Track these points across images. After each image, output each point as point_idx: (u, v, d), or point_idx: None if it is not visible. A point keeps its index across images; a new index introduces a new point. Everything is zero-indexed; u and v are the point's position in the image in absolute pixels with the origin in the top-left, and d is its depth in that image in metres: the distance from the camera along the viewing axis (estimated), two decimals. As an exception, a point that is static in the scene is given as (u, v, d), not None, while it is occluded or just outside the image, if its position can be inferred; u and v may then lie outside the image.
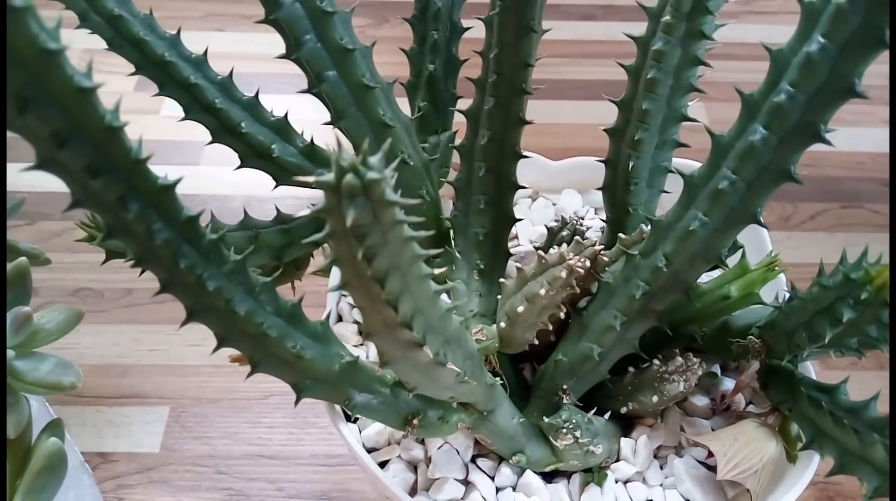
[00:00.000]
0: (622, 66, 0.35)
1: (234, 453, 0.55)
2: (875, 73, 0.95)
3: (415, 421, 0.31)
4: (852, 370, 0.61)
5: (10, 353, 0.32)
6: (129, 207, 0.23)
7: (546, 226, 0.39)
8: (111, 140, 0.22)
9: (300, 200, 0.66)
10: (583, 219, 0.44)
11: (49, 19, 0.20)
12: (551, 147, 0.79)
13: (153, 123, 0.81)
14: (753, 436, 0.32)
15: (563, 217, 0.39)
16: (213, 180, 0.73)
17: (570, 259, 0.31)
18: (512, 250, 0.42)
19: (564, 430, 0.32)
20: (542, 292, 0.31)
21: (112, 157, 0.22)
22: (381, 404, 0.31)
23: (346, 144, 0.37)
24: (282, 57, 0.33)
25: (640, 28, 0.35)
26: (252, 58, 0.77)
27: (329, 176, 0.20)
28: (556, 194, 0.47)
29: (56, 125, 0.21)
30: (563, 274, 0.31)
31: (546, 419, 0.33)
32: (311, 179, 0.19)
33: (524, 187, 0.38)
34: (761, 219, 0.29)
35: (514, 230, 0.44)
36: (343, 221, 0.20)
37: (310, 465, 0.55)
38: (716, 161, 0.29)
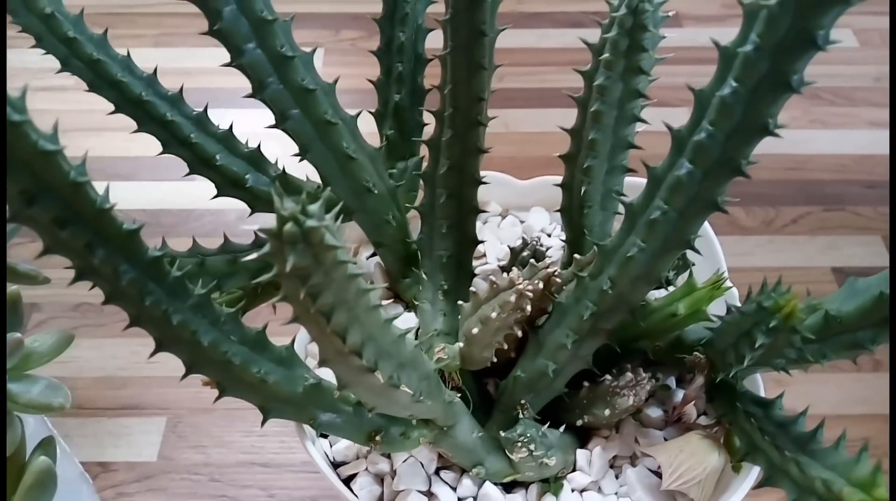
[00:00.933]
0: (572, 98, 0.37)
1: (228, 461, 0.58)
2: (861, 74, 0.96)
3: (377, 438, 0.34)
4: (854, 371, 0.62)
5: (1, 379, 0.35)
6: (95, 252, 0.26)
7: (509, 246, 0.41)
8: (76, 194, 0.24)
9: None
10: (547, 238, 0.46)
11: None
12: (537, 156, 0.81)
13: (151, 139, 0.84)
14: (698, 448, 0.34)
15: (524, 238, 0.41)
16: (208, 195, 0.76)
17: (519, 284, 0.33)
18: (479, 269, 0.44)
19: (519, 444, 0.34)
20: (494, 315, 0.33)
21: (78, 208, 0.25)
22: (344, 422, 0.33)
23: (314, 175, 0.39)
24: (249, 96, 0.36)
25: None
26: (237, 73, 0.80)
27: (272, 224, 0.22)
28: (524, 211, 0.49)
29: (24, 184, 0.23)
30: (513, 299, 0.33)
31: (502, 434, 0.35)
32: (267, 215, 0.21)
33: (485, 211, 0.40)
34: (694, 244, 0.31)
35: (482, 249, 0.46)
36: (285, 264, 0.22)
37: (301, 472, 0.57)
38: (651, 191, 0.31)
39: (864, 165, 0.79)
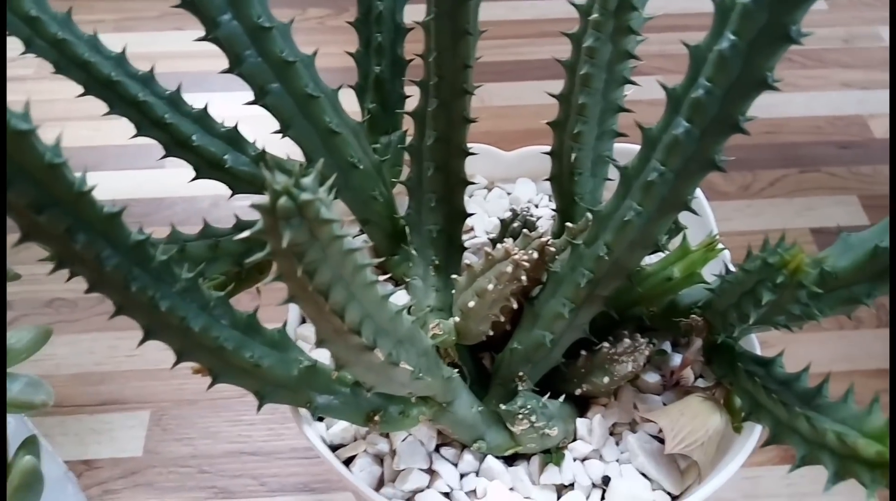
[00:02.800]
0: (559, 62, 0.36)
1: (215, 452, 0.56)
2: (831, 36, 0.96)
3: (376, 418, 0.33)
4: (836, 329, 0.63)
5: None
6: (76, 238, 0.24)
7: (498, 218, 0.40)
8: (53, 176, 0.23)
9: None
10: (534, 209, 0.45)
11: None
12: (514, 130, 0.80)
13: (117, 127, 0.81)
14: (699, 410, 0.34)
15: (514, 209, 0.40)
16: (180, 182, 0.74)
17: (515, 254, 0.32)
18: (469, 243, 0.44)
19: (520, 416, 0.34)
20: (490, 287, 0.33)
21: (55, 192, 0.23)
22: (342, 404, 0.32)
23: (297, 153, 0.38)
24: (225, 72, 0.34)
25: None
26: (212, 55, 0.78)
27: (264, 199, 0.21)
28: (510, 183, 0.48)
29: None
30: (509, 269, 0.32)
31: (503, 407, 0.34)
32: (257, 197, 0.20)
33: (473, 183, 0.39)
34: (692, 206, 0.30)
35: (469, 223, 0.45)
36: (280, 241, 0.21)
37: (291, 459, 0.56)
38: (646, 153, 0.30)
39: (837, 126, 0.80)
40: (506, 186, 0.48)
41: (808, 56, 0.85)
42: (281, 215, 0.21)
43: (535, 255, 0.34)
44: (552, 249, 0.35)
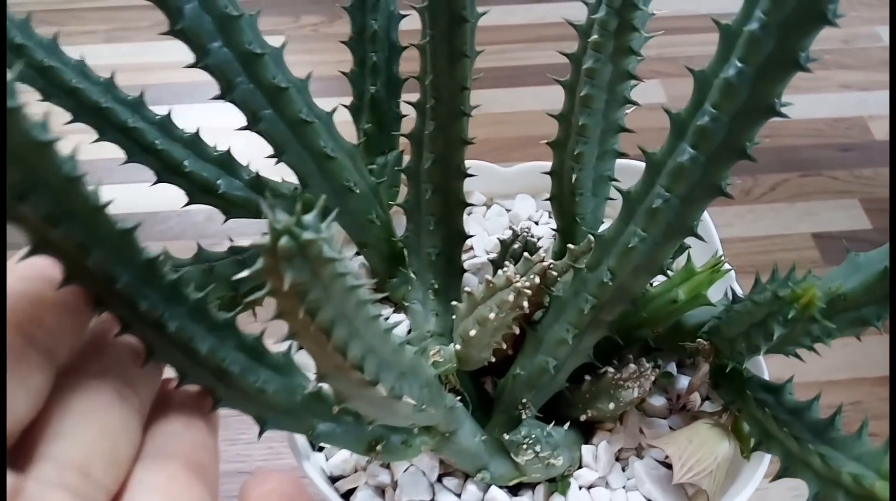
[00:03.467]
0: (558, 82, 0.35)
1: (215, 472, 0.56)
2: (830, 37, 0.95)
3: (378, 448, 0.32)
4: (851, 337, 0.62)
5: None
6: (91, 253, 0.23)
7: (498, 239, 0.39)
8: (70, 190, 0.22)
9: (256, 224, 0.66)
10: (535, 227, 0.45)
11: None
12: (512, 137, 0.80)
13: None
14: (707, 438, 0.33)
15: (513, 229, 0.39)
16: (174, 196, 0.73)
17: (517, 282, 0.31)
18: (469, 262, 0.43)
19: (525, 445, 0.33)
20: (492, 315, 0.32)
21: (71, 205, 0.22)
22: (344, 432, 0.31)
23: (292, 177, 0.37)
24: (216, 98, 0.33)
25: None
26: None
27: (265, 239, 0.20)
28: (510, 199, 0.48)
29: (15, 178, 0.21)
30: (511, 297, 0.31)
31: (506, 436, 0.34)
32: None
33: (472, 204, 0.38)
34: (698, 232, 0.30)
35: (469, 242, 0.44)
36: (282, 281, 0.21)
37: (291, 478, 0.56)
38: (650, 178, 0.29)
39: (837, 129, 0.79)
40: (505, 202, 0.48)
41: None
42: (282, 256, 0.20)
43: (537, 280, 0.33)
44: (554, 272, 0.34)
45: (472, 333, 0.33)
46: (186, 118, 0.39)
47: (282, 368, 0.30)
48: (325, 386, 0.32)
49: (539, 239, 0.40)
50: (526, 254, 0.34)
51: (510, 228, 0.42)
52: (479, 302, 0.33)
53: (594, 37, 0.31)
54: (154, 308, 0.25)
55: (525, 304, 0.33)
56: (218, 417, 0.30)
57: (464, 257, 0.41)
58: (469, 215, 0.47)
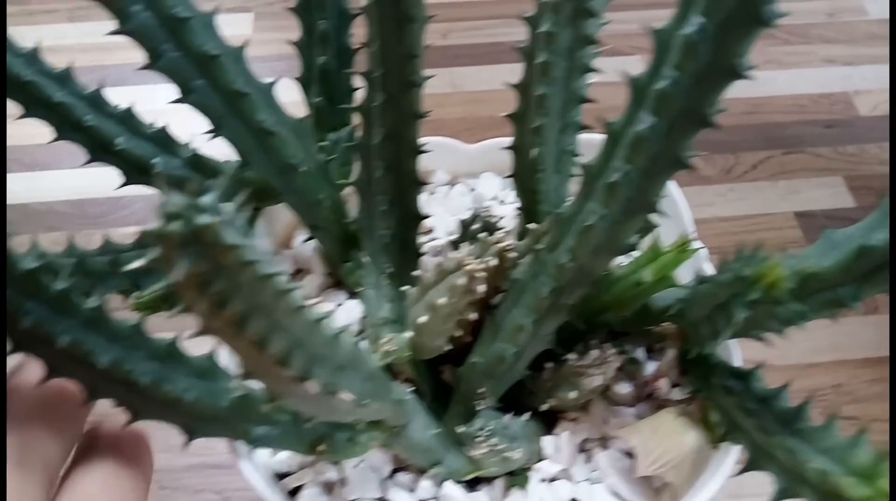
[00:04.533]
0: (517, 49, 0.33)
1: (176, 465, 0.53)
2: (814, 10, 0.92)
3: (321, 447, 0.30)
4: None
5: None
6: None
7: (460, 219, 0.37)
8: None
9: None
10: (500, 207, 0.42)
11: None
12: (488, 115, 0.77)
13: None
14: (672, 428, 0.31)
15: (474, 210, 0.37)
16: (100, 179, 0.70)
17: (469, 264, 0.29)
18: (429, 245, 0.41)
19: (479, 438, 0.31)
20: (443, 301, 0.30)
21: None
22: (282, 434, 0.29)
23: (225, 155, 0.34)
24: (144, 68, 0.31)
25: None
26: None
27: (155, 225, 0.18)
28: (475, 178, 0.45)
29: None
30: (462, 281, 0.29)
31: (460, 429, 0.32)
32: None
33: (428, 183, 0.36)
34: (664, 209, 0.28)
35: (429, 223, 0.42)
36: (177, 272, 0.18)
37: (255, 471, 0.54)
38: (609, 150, 0.27)
39: (821, 105, 0.77)
40: (470, 181, 0.45)
41: (790, 32, 0.81)
42: (175, 243, 0.18)
43: (494, 262, 0.31)
44: (513, 254, 0.32)
45: (423, 320, 0.31)
46: (154, 101, 0.36)
47: (205, 372, 0.28)
48: (255, 387, 0.30)
49: (502, 218, 0.38)
50: (481, 235, 0.32)
51: (472, 208, 0.39)
52: (428, 287, 0.30)
53: (549, -4, 0.29)
54: (41, 324, 0.23)
55: (481, 288, 0.31)
56: (151, 456, 0.28)
57: (423, 239, 0.38)
58: (431, 194, 0.44)
